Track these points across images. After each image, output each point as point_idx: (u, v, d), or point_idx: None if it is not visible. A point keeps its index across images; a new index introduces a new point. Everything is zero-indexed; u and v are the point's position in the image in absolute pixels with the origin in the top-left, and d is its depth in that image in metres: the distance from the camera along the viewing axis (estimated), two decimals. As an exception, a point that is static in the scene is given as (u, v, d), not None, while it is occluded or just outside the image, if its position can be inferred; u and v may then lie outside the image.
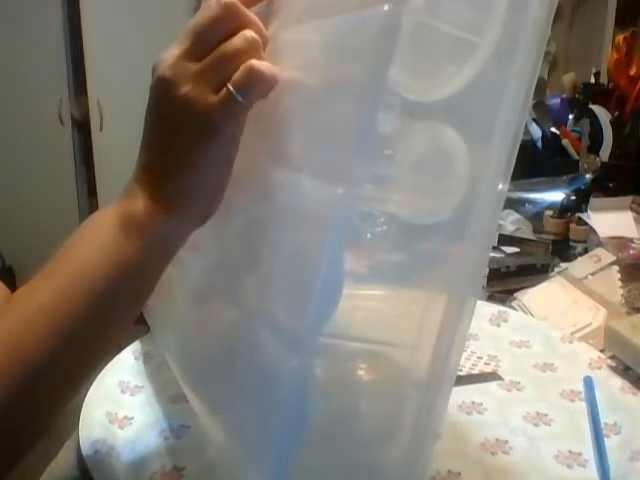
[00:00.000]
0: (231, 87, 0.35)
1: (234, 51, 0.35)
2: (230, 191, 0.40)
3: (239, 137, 0.37)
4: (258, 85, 0.36)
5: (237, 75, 0.35)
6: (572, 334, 0.71)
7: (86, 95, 2.36)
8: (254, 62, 0.35)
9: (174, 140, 0.37)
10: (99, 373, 0.60)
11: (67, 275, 0.37)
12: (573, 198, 1.06)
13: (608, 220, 0.97)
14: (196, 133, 0.36)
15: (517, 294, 0.82)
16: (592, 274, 0.83)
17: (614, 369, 0.62)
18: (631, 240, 0.92)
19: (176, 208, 0.38)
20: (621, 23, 2.10)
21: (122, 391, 0.59)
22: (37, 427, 0.38)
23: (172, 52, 0.37)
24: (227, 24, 0.36)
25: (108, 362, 0.61)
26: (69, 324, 0.36)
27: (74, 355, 0.37)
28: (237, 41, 0.36)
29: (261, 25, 0.37)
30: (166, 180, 0.38)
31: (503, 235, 0.99)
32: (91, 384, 0.58)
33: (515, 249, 0.95)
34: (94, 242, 0.38)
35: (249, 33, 0.36)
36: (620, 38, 1.25)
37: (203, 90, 0.36)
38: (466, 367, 0.64)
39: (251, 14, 0.37)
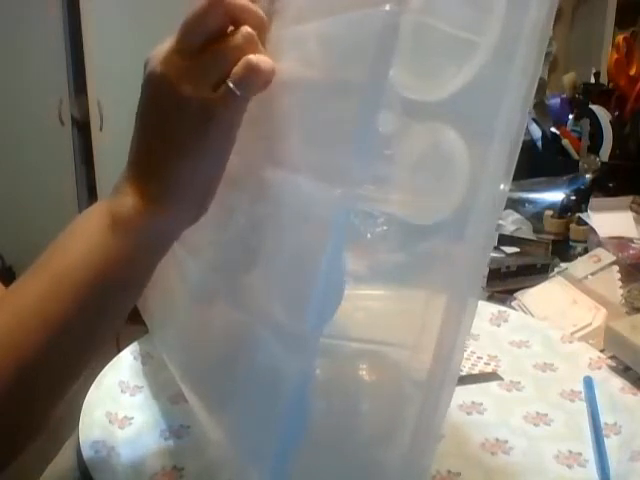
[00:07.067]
0: (230, 82, 0.35)
1: (230, 47, 0.35)
2: (230, 192, 0.40)
3: (236, 132, 0.37)
4: (257, 79, 0.35)
5: (236, 70, 0.35)
6: (572, 334, 0.71)
7: (86, 95, 2.36)
8: (252, 57, 0.35)
9: (168, 137, 0.37)
10: (97, 371, 0.60)
11: (56, 273, 0.37)
12: (573, 198, 1.06)
13: (608, 220, 0.97)
14: (192, 129, 0.36)
15: (517, 294, 0.82)
16: (592, 274, 0.83)
17: (614, 369, 0.62)
18: (631, 240, 0.92)
19: (168, 205, 0.37)
20: (621, 23, 2.10)
21: (122, 391, 0.59)
22: (33, 423, 0.38)
23: (163, 47, 0.36)
24: (215, 17, 0.35)
25: (107, 360, 0.61)
26: (59, 321, 0.36)
27: (66, 351, 0.37)
28: (233, 38, 0.35)
29: (256, 10, 0.37)
30: (158, 177, 0.37)
31: (503, 235, 0.99)
32: (91, 384, 0.58)
33: (515, 249, 0.95)
34: (84, 240, 0.38)
35: (245, 29, 0.35)
36: (620, 38, 1.25)
37: (199, 85, 0.35)
38: (466, 367, 0.64)
39: (244, 1, 0.36)
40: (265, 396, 0.37)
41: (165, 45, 0.36)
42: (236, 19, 0.36)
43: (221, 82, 0.35)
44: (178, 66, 0.36)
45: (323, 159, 0.35)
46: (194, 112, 0.36)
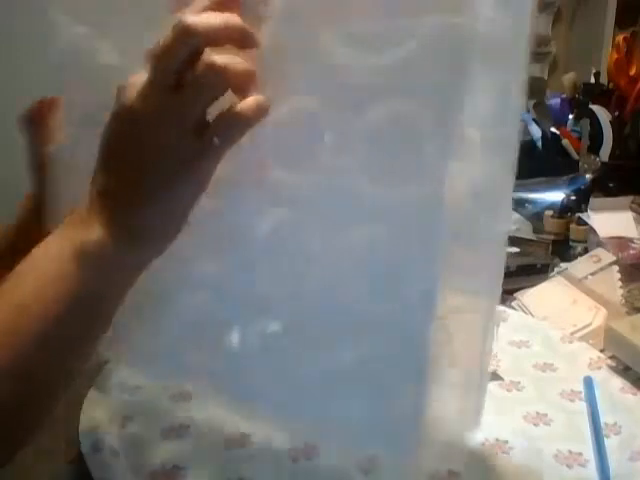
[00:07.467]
0: (212, 134, 0.34)
1: (202, 83, 0.33)
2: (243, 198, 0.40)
3: (213, 171, 0.35)
4: (238, 130, 0.34)
5: (219, 122, 0.34)
6: (572, 334, 0.71)
7: (86, 95, 2.36)
8: (237, 109, 0.33)
9: (143, 176, 0.35)
10: (98, 371, 0.60)
11: (13, 311, 0.35)
12: (573, 198, 1.06)
13: (608, 220, 0.97)
14: (170, 172, 0.34)
15: (517, 294, 0.82)
16: (592, 274, 0.83)
17: (614, 369, 0.62)
18: (631, 240, 0.92)
19: (136, 239, 0.36)
20: (621, 23, 2.10)
21: (122, 390, 0.59)
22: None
23: (138, 79, 0.34)
24: (184, 48, 0.33)
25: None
26: (17, 358, 0.35)
27: (28, 388, 0.36)
28: (201, 73, 0.33)
29: (232, 25, 0.34)
30: (128, 211, 0.35)
31: (503, 235, 0.99)
32: (91, 383, 0.58)
33: (515, 249, 0.95)
34: (43, 273, 0.36)
35: (215, 62, 0.32)
36: (620, 38, 1.25)
37: (178, 129, 0.34)
38: (466, 367, 0.64)
39: (220, 20, 0.33)
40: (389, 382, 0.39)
41: (140, 77, 0.34)
42: (210, 41, 0.33)
43: (201, 120, 0.34)
44: (155, 104, 0.33)
45: (411, 163, 0.35)
46: (173, 158, 0.34)
